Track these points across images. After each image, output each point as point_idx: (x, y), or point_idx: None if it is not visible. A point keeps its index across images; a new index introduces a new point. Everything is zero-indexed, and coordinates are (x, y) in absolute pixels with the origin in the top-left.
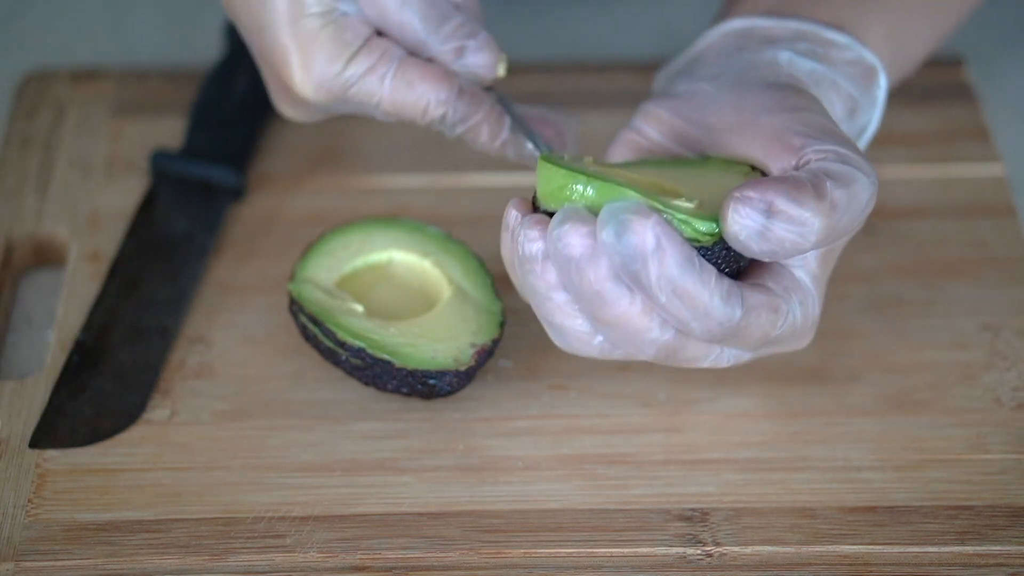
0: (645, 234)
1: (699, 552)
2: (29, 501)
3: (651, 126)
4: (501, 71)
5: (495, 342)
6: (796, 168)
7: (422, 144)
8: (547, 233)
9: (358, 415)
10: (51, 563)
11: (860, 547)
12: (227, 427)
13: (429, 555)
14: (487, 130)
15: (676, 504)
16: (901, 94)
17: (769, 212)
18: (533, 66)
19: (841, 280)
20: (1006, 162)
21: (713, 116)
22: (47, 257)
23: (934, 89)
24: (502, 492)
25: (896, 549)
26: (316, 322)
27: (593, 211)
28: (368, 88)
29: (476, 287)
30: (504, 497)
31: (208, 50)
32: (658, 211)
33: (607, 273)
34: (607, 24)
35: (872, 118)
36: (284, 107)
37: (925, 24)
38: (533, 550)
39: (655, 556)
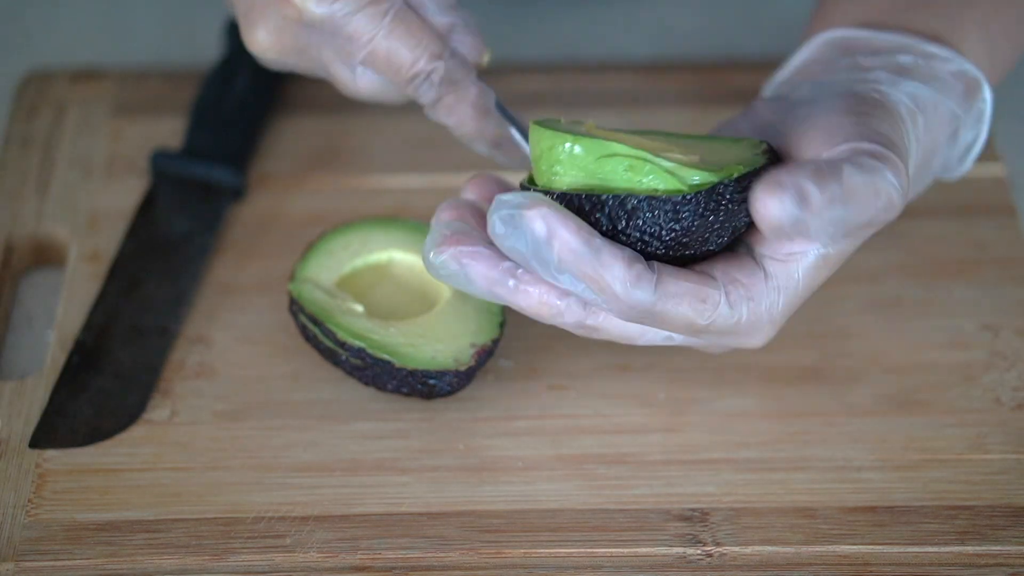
0: (534, 224)
1: (699, 552)
2: (29, 501)
3: (744, 120)
4: (485, 60)
5: (495, 342)
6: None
7: (422, 144)
8: (428, 258)
9: (358, 415)
10: (51, 563)
11: (860, 547)
12: (227, 427)
13: (429, 555)
14: (472, 100)
15: (676, 504)
16: None
17: (802, 199)
18: (533, 66)
19: (841, 280)
20: (1006, 162)
21: (789, 123)
22: (47, 257)
23: None
24: (502, 492)
25: (896, 549)
26: (316, 322)
27: (577, 177)
28: (368, 20)
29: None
30: (504, 497)
31: (208, 50)
32: (646, 161)
33: (496, 278)
34: (607, 24)
35: (979, 134)
36: (259, 31)
37: (1014, 28)
38: (533, 550)
39: (655, 556)
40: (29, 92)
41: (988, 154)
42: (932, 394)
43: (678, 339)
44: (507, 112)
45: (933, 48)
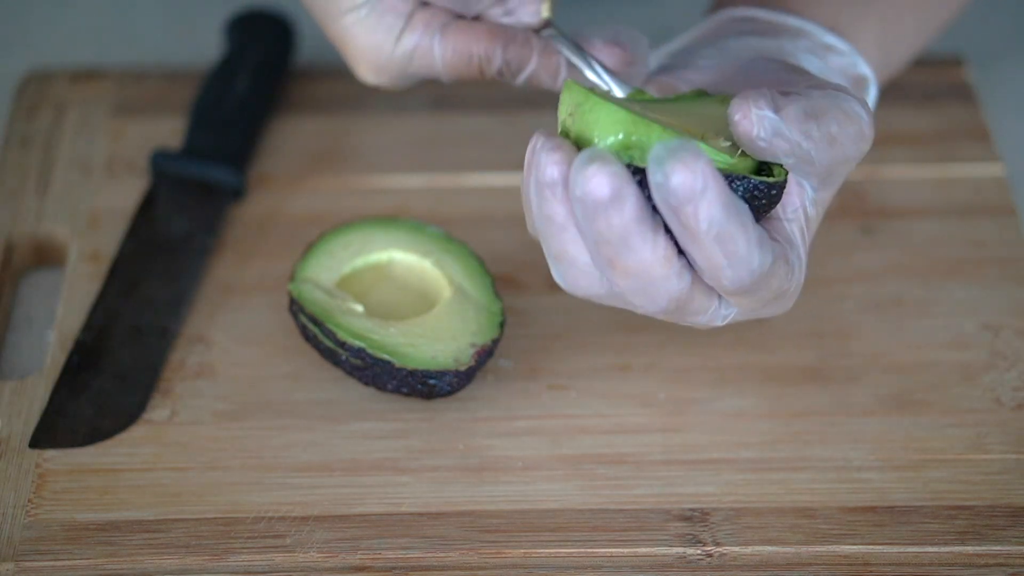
0: (696, 174)
1: (699, 552)
2: (29, 501)
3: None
4: (545, 11)
5: (495, 342)
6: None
7: (422, 144)
8: (571, 171)
9: (358, 415)
10: (51, 563)
11: (860, 547)
12: (227, 427)
13: (429, 555)
14: (545, 75)
15: (676, 504)
16: (901, 94)
17: (776, 108)
18: None
19: (841, 280)
20: (1006, 162)
21: (707, 76)
22: (47, 257)
23: (934, 89)
24: (502, 492)
25: (896, 549)
26: (316, 322)
27: (617, 145)
28: (423, 61)
29: (476, 287)
30: (504, 497)
31: (208, 50)
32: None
33: (633, 216)
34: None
35: None
36: (360, 67)
37: (912, 29)
38: (533, 550)
39: (655, 556)
40: (29, 92)
41: (988, 154)
42: (932, 394)
43: (737, 316)
44: (567, 44)
45: (831, 39)
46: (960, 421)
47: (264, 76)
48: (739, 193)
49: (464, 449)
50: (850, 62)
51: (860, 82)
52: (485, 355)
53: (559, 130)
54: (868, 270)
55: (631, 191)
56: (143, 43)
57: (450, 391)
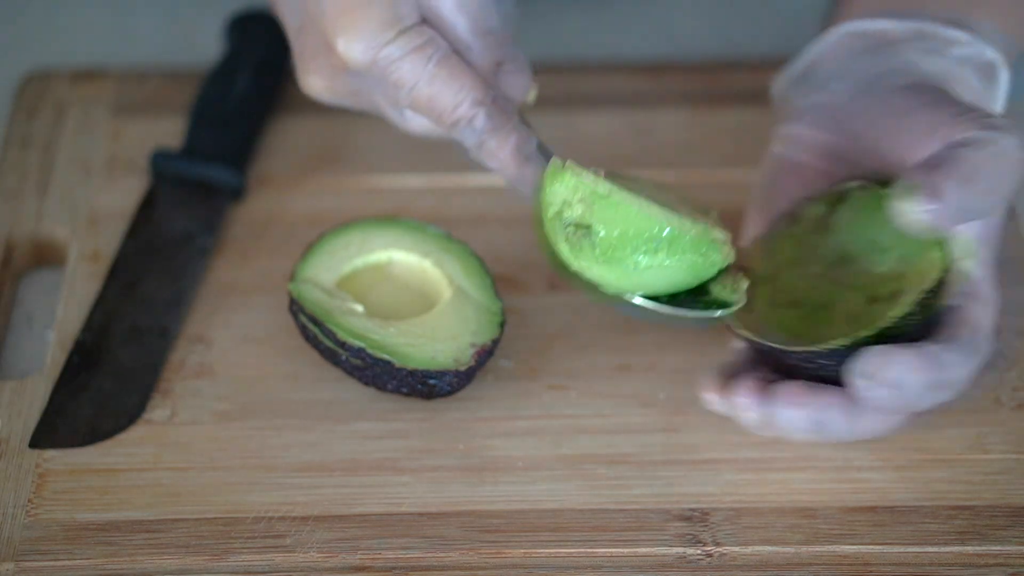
0: (907, 368)
1: (699, 552)
2: (29, 501)
3: (795, 148)
4: (531, 97)
5: (495, 342)
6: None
7: (422, 144)
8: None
9: (358, 415)
10: (51, 563)
11: (860, 547)
12: (227, 427)
13: (429, 555)
14: (513, 146)
15: (676, 504)
16: None
17: (935, 194)
18: (534, 66)
19: None
20: None
21: (859, 122)
22: (47, 257)
23: None
24: (502, 492)
25: (896, 549)
26: (316, 322)
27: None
28: (411, 67)
29: (476, 287)
30: (504, 497)
31: (208, 50)
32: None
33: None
34: (608, 24)
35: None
36: (313, 77)
37: None
38: (533, 550)
39: (655, 556)
40: (29, 92)
41: None
42: None
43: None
44: (549, 153)
45: (952, 33)
46: (960, 421)
47: (264, 76)
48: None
49: (464, 449)
50: (976, 51)
51: (988, 69)
52: (485, 355)
53: (550, 211)
54: None
55: (823, 402)
56: (143, 43)
57: (450, 391)
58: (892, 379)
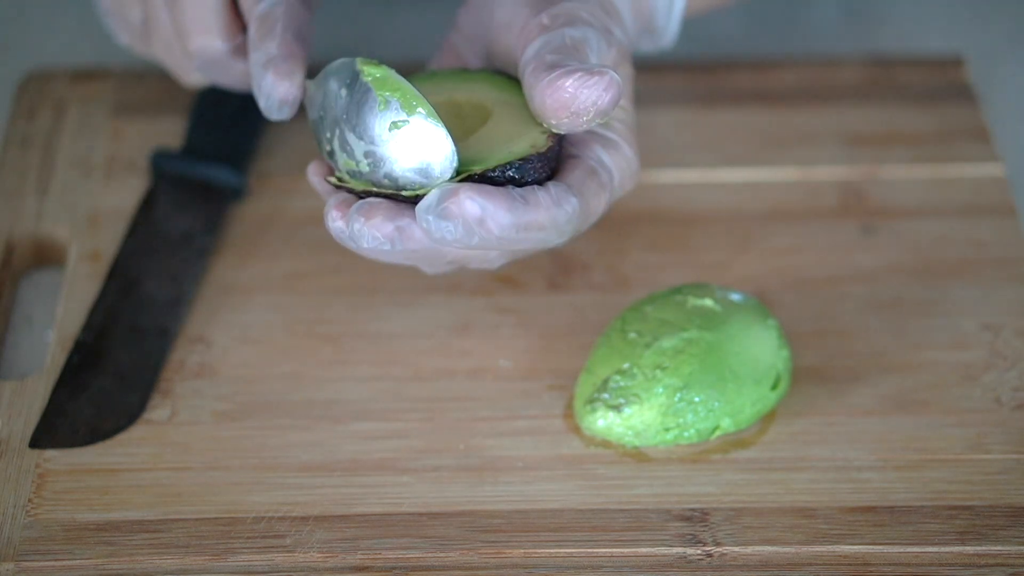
0: (464, 209)
1: (699, 552)
2: (29, 501)
3: (459, 35)
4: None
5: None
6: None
7: None
8: (348, 224)
9: (358, 415)
10: (51, 563)
11: (860, 547)
12: (227, 427)
13: (429, 555)
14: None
15: (676, 504)
16: (901, 94)
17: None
18: None
19: (841, 280)
20: (1006, 162)
21: (493, 16)
22: (47, 257)
23: (934, 89)
24: (502, 492)
25: (896, 549)
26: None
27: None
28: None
29: (517, 94)
30: (504, 497)
31: None
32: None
33: (425, 239)
34: None
35: None
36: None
37: None
38: (533, 550)
39: (655, 556)
40: (29, 92)
41: (988, 154)
42: (932, 394)
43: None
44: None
45: None
46: (960, 421)
47: None
48: (516, 175)
49: (464, 449)
50: None
51: None
52: (559, 140)
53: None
54: (868, 270)
55: (408, 218)
56: None
57: (536, 178)
58: (459, 214)
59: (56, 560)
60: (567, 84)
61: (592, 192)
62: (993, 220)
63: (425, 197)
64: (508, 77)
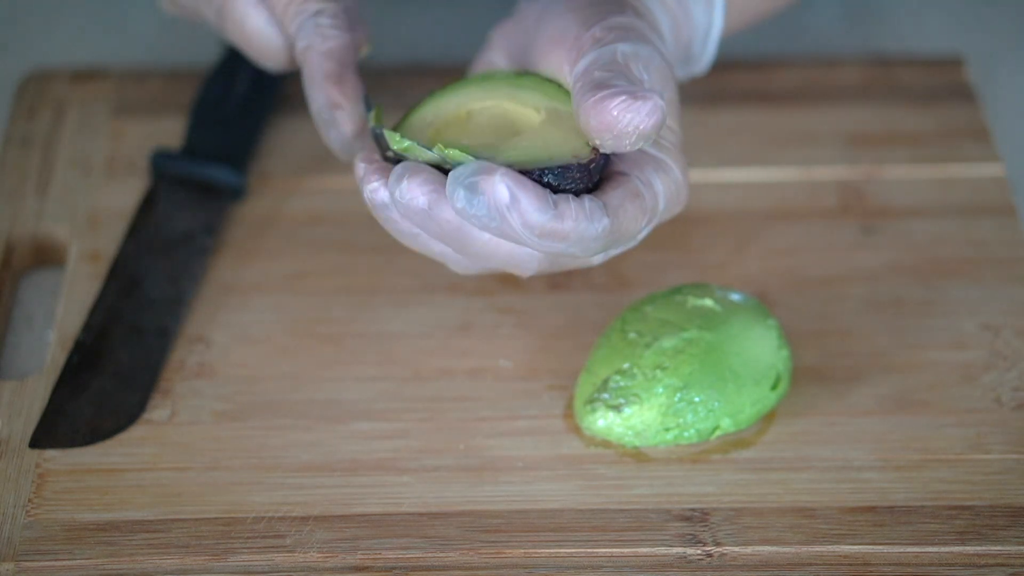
0: (496, 189)
1: (699, 552)
2: (29, 501)
3: (497, 52)
4: (364, 51)
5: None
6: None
7: None
8: (389, 188)
9: (358, 415)
10: (51, 563)
11: (860, 547)
12: (227, 427)
13: (429, 555)
14: (337, 48)
15: (676, 504)
16: (901, 94)
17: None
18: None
19: (841, 280)
20: (1006, 162)
21: (540, 30)
22: (47, 257)
23: (934, 89)
24: (502, 492)
25: (896, 549)
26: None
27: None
28: None
29: (566, 103)
30: (504, 497)
31: (208, 50)
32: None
33: (456, 214)
34: None
35: (712, 16)
36: None
37: None
38: (533, 550)
39: (655, 556)
40: (29, 92)
41: (988, 154)
42: (932, 394)
43: (632, 243)
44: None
45: None
46: (960, 421)
47: (264, 76)
48: (554, 181)
49: (464, 449)
50: None
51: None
52: (603, 157)
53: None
54: (868, 270)
55: (443, 195)
56: (143, 43)
57: (574, 188)
58: (490, 193)
59: (56, 560)
60: (612, 106)
61: (629, 215)
62: (993, 220)
63: (461, 167)
64: (559, 85)
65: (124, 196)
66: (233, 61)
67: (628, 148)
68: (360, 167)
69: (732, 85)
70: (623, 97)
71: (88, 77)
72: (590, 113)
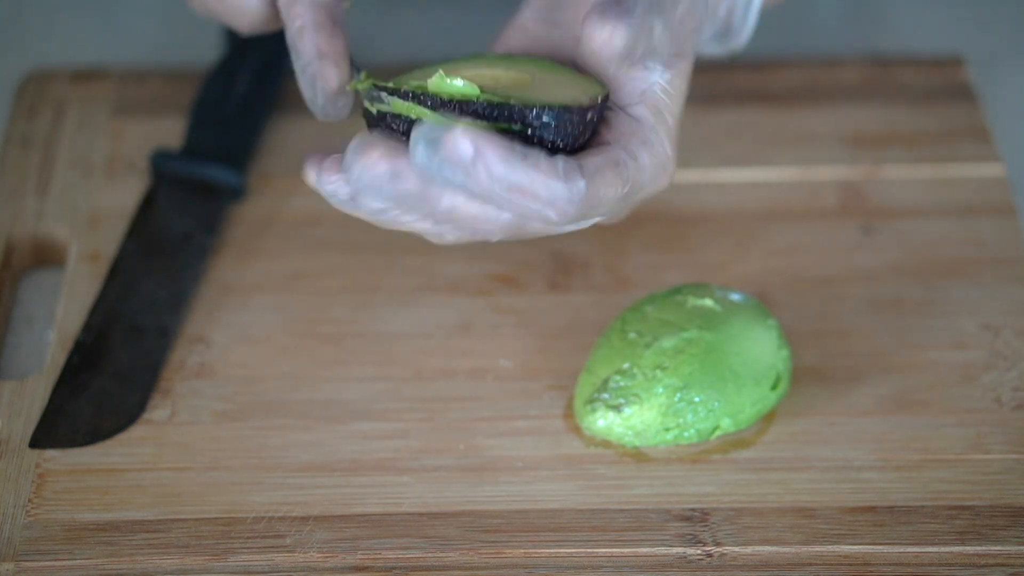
0: (459, 145)
1: (699, 552)
2: (29, 501)
3: (516, 37)
4: (346, 3)
5: (606, 98)
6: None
7: None
8: (346, 175)
9: (358, 415)
10: (51, 563)
11: (860, 547)
12: (227, 427)
13: (429, 555)
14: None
15: (676, 504)
16: (901, 94)
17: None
18: None
19: (841, 280)
20: (1006, 162)
21: (565, 12)
22: (47, 257)
23: (934, 89)
24: (502, 492)
25: (896, 549)
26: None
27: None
28: None
29: (560, 70)
30: (504, 497)
31: (208, 50)
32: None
33: (419, 178)
34: None
35: None
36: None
37: None
38: (533, 550)
39: (655, 556)
40: (29, 92)
41: (988, 154)
42: (932, 394)
43: (593, 220)
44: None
45: None
46: (960, 421)
47: (264, 76)
48: (553, 121)
49: (464, 449)
50: None
51: None
52: (602, 103)
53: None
54: (868, 270)
55: (404, 160)
56: (143, 43)
57: (568, 135)
58: (451, 149)
59: (56, 560)
60: (588, 24)
61: (607, 181)
62: (993, 220)
63: (421, 125)
64: (555, 63)
65: (124, 196)
66: (233, 61)
67: (613, 69)
68: (311, 173)
69: (732, 85)
70: (595, 15)
71: (88, 77)
72: (582, 32)
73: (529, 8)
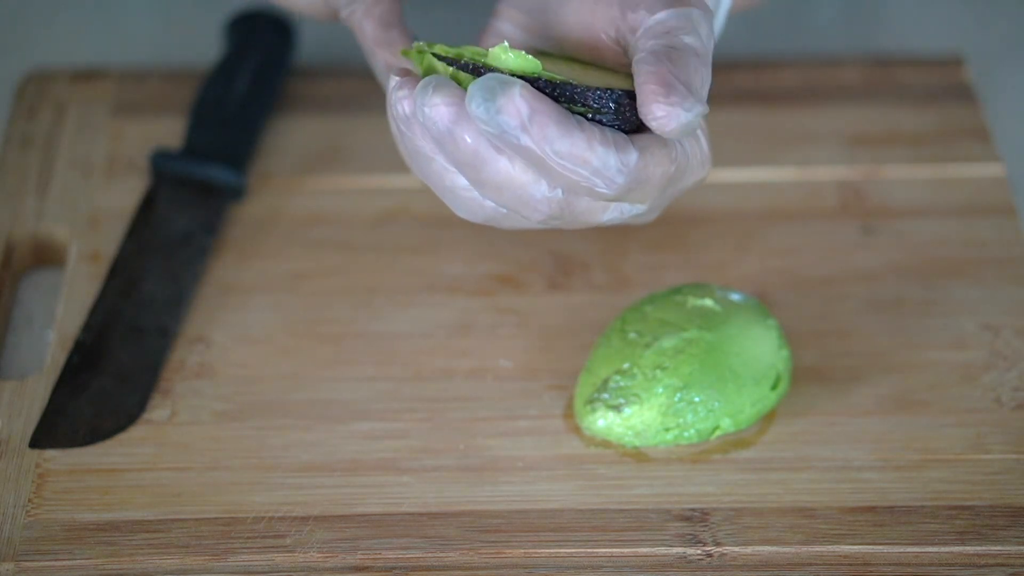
0: (516, 101)
1: (699, 552)
2: (29, 501)
3: (505, 23)
4: None
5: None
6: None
7: None
8: (415, 98)
9: (358, 415)
10: (51, 563)
11: (860, 547)
12: (227, 427)
13: (429, 555)
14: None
15: (676, 504)
16: (901, 94)
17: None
18: None
19: (841, 280)
20: (1006, 162)
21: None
22: (47, 257)
23: (934, 89)
24: (502, 492)
25: (896, 549)
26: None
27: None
28: None
29: (591, 66)
30: (504, 497)
31: (208, 50)
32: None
33: (478, 136)
34: None
35: None
36: None
37: None
38: (533, 550)
39: (655, 556)
40: (29, 92)
41: (988, 154)
42: (932, 394)
43: (642, 209)
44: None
45: None
46: (960, 421)
47: (264, 76)
48: (612, 104)
49: (464, 449)
50: None
51: None
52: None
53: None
54: (868, 270)
55: (465, 112)
56: (143, 43)
57: (628, 118)
58: (507, 105)
59: (56, 560)
60: (654, 106)
61: (656, 159)
62: (993, 220)
63: (482, 78)
64: (583, 60)
65: (124, 196)
66: (233, 61)
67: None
68: (394, 80)
69: (732, 85)
70: (660, 103)
71: (88, 77)
72: (642, 101)
73: (503, 21)
